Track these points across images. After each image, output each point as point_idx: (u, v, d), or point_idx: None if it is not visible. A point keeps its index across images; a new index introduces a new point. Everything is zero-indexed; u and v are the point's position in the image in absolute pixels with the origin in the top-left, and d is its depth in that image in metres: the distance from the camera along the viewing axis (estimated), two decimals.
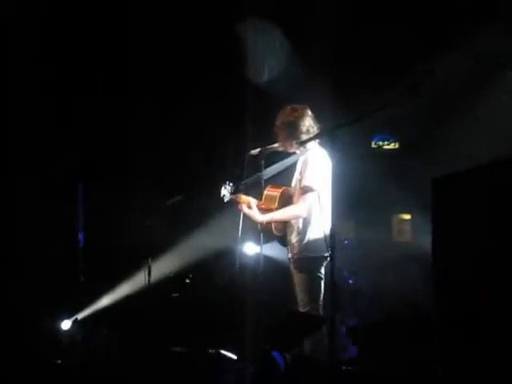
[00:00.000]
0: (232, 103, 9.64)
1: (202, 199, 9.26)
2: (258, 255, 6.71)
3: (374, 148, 10.16)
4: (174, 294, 9.36)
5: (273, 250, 7.33)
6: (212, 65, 9.61)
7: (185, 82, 9.67)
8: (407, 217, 9.99)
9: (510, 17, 8.29)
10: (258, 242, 6.67)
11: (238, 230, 6.76)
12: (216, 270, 9.35)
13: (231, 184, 6.85)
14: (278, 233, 6.72)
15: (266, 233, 6.69)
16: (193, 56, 9.60)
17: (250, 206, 6.68)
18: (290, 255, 6.69)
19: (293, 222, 6.61)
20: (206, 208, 9.32)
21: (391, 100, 5.34)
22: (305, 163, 6.59)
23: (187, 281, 9.53)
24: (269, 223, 6.66)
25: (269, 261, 7.21)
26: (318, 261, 6.53)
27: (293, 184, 6.79)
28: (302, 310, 6.52)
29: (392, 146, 10.16)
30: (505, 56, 8.68)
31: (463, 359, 3.76)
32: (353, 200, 8.92)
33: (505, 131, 8.10)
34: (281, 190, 6.75)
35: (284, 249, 6.85)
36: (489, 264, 3.60)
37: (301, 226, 6.56)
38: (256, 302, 7.16)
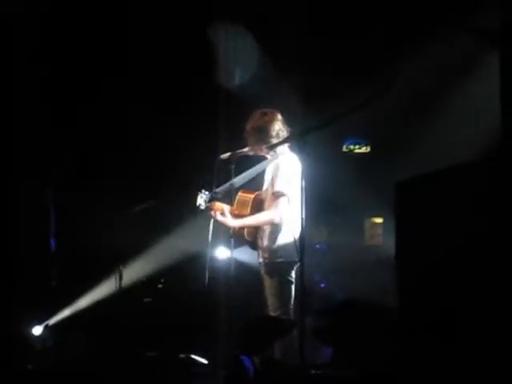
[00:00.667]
0: (203, 107, 9.62)
1: (173, 204, 9.24)
2: (229, 259, 6.71)
3: (345, 152, 10.18)
4: (146, 299, 9.34)
5: (244, 255, 7.33)
6: (182, 68, 9.59)
7: (155, 85, 9.64)
8: (379, 220, 10.02)
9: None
10: (230, 247, 6.68)
11: (209, 234, 6.77)
12: (188, 274, 9.33)
13: (206, 192, 6.85)
14: (250, 238, 6.74)
15: (238, 238, 6.71)
16: (163, 59, 9.58)
17: (223, 212, 6.68)
18: (260, 260, 6.71)
19: (264, 226, 6.62)
20: (177, 212, 9.30)
21: (360, 103, 5.37)
22: (276, 168, 6.61)
23: (159, 285, 9.51)
24: (241, 228, 6.67)
25: (240, 265, 7.21)
26: (289, 265, 6.55)
27: (264, 189, 6.80)
28: (272, 314, 6.53)
29: (363, 149, 10.18)
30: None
31: (425, 360, 3.78)
32: (324, 204, 8.95)
33: (474, 133, 8.15)
34: (253, 196, 6.76)
35: (255, 253, 6.86)
36: (451, 266, 3.63)
37: (272, 230, 6.58)
38: (228, 306, 7.16)
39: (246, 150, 6.79)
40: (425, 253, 3.75)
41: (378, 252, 9.59)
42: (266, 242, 6.61)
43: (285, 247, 6.55)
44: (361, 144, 10.15)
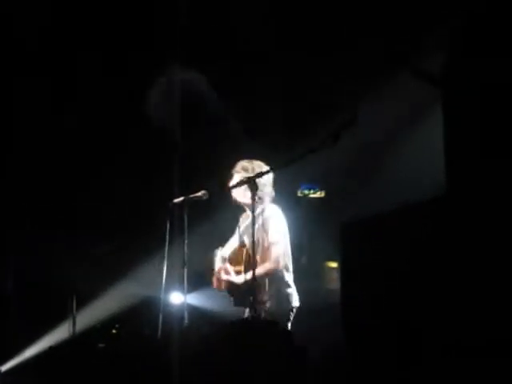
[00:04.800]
0: (154, 152, 9.66)
1: (128, 249, 9.23)
2: (182, 305, 6.71)
3: (299, 196, 10.23)
4: (100, 345, 9.25)
5: (197, 300, 7.32)
6: (133, 113, 9.64)
7: (107, 131, 9.66)
8: (334, 265, 10.05)
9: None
10: (184, 291, 6.67)
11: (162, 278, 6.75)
12: (142, 319, 9.27)
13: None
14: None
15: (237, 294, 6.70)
16: (114, 106, 9.62)
17: (227, 271, 6.70)
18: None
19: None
20: (132, 257, 9.28)
21: (312, 149, 5.43)
22: (266, 219, 6.63)
23: (114, 331, 9.44)
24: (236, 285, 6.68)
25: (194, 310, 7.20)
26: (290, 311, 6.67)
27: (250, 240, 6.73)
28: None
29: (318, 194, 10.24)
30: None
31: None
32: None
33: (422, 179, 8.24)
34: (244, 250, 6.79)
35: (209, 298, 6.87)
36: (395, 309, 3.66)
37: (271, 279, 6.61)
38: (181, 353, 7.11)
39: (199, 194, 6.81)
40: (369, 295, 3.78)
41: (335, 296, 9.58)
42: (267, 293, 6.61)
43: (285, 294, 6.65)
44: (315, 189, 10.21)
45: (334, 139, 5.26)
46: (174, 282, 7.15)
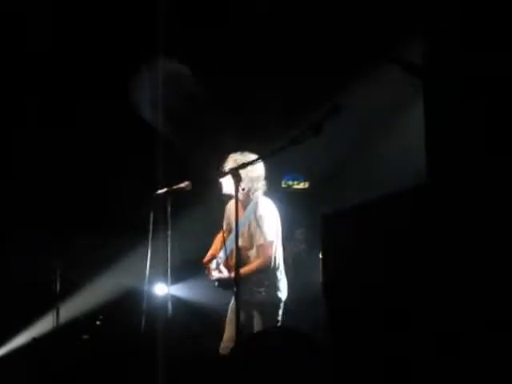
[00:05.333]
0: (140, 141, 9.67)
1: (112, 240, 9.23)
2: (166, 296, 6.71)
3: (284, 188, 10.26)
4: (84, 336, 9.25)
5: (181, 291, 7.33)
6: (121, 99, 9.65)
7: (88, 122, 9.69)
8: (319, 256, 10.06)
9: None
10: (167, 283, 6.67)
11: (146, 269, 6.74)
12: (126, 311, 9.27)
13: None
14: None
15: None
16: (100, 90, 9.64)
17: (218, 268, 6.71)
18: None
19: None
20: (116, 248, 9.28)
21: (295, 139, 5.41)
22: (259, 217, 6.62)
23: (97, 322, 9.44)
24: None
25: (177, 301, 7.20)
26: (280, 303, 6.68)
27: (244, 239, 6.74)
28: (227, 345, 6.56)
29: (302, 185, 10.27)
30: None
31: None
32: None
33: (404, 168, 8.26)
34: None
35: (193, 289, 6.88)
36: (376, 299, 3.67)
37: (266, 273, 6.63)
38: (164, 343, 7.11)
39: (182, 185, 6.79)
40: (350, 286, 3.79)
41: (318, 287, 9.59)
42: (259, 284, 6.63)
43: (277, 287, 6.67)
44: (299, 180, 10.25)
45: (316, 130, 5.24)
46: (158, 273, 7.15)
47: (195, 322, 7.30)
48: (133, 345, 8.54)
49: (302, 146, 5.45)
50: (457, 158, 3.63)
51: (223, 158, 6.81)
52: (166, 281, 6.98)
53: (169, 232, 6.62)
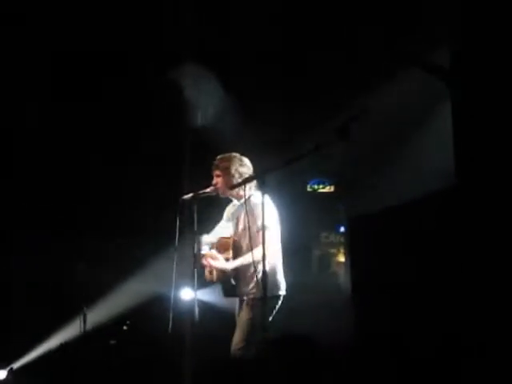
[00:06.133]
0: (165, 148, 9.69)
1: (138, 246, 9.26)
2: (193, 300, 6.72)
3: (309, 191, 10.25)
4: (111, 341, 9.28)
5: (208, 295, 7.33)
6: (147, 110, 9.68)
7: (120, 127, 9.70)
8: (342, 259, 10.07)
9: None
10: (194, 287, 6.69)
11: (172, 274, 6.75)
12: (153, 316, 9.29)
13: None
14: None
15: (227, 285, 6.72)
16: (128, 100, 9.66)
17: (215, 257, 6.71)
18: (243, 295, 6.68)
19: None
20: (142, 253, 9.31)
21: (321, 144, 5.41)
22: (253, 207, 6.61)
23: (124, 327, 9.47)
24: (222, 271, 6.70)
25: (204, 305, 7.21)
26: (277, 299, 6.61)
27: (238, 229, 6.78)
28: (236, 347, 6.55)
29: (327, 189, 10.26)
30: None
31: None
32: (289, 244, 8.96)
33: (432, 172, 8.23)
34: (231, 239, 6.80)
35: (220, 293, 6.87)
36: (404, 298, 3.67)
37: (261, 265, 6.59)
38: (192, 347, 7.12)
39: (208, 190, 6.82)
40: (379, 286, 3.79)
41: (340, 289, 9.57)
42: (253, 278, 6.60)
43: (273, 281, 6.57)
44: (324, 184, 10.24)
45: (342, 134, 5.23)
46: (184, 278, 7.16)
47: (221, 326, 7.27)
48: (160, 349, 8.60)
49: (328, 150, 5.44)
50: (485, 159, 3.62)
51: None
52: (191, 285, 7.01)
53: (196, 236, 6.65)
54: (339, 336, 5.86)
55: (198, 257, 6.78)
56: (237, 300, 6.85)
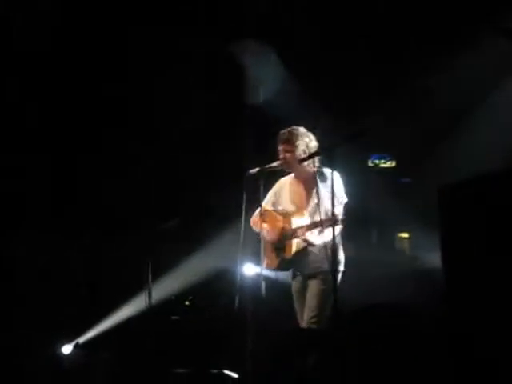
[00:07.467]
0: (229, 123, 9.70)
1: (203, 221, 9.30)
2: (257, 276, 6.73)
3: (370, 167, 10.20)
4: (173, 317, 9.34)
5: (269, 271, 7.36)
6: (209, 84, 9.70)
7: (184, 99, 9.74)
8: (405, 235, 10.00)
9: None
10: (257, 263, 6.71)
11: (237, 251, 6.76)
12: (216, 291, 9.33)
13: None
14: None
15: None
16: (189, 76, 9.68)
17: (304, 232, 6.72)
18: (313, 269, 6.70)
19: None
20: (207, 229, 9.35)
21: (385, 119, 5.37)
22: (328, 181, 6.56)
23: (187, 303, 9.51)
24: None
25: (268, 281, 7.21)
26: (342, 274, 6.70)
27: (308, 206, 6.77)
28: (306, 318, 6.58)
29: (389, 164, 10.19)
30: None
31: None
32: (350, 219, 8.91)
33: (499, 145, 8.14)
34: (300, 213, 6.83)
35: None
36: (495, 272, 3.58)
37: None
38: (257, 321, 7.15)
39: (274, 164, 6.82)
40: (471, 260, 3.67)
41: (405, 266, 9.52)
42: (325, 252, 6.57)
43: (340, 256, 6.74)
44: (386, 159, 10.17)
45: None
46: (247, 253, 7.16)
47: (284, 300, 7.28)
48: (226, 324, 8.62)
49: (391, 124, 5.41)
50: None
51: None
52: (254, 261, 7.03)
53: (261, 211, 6.64)
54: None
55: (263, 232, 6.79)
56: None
